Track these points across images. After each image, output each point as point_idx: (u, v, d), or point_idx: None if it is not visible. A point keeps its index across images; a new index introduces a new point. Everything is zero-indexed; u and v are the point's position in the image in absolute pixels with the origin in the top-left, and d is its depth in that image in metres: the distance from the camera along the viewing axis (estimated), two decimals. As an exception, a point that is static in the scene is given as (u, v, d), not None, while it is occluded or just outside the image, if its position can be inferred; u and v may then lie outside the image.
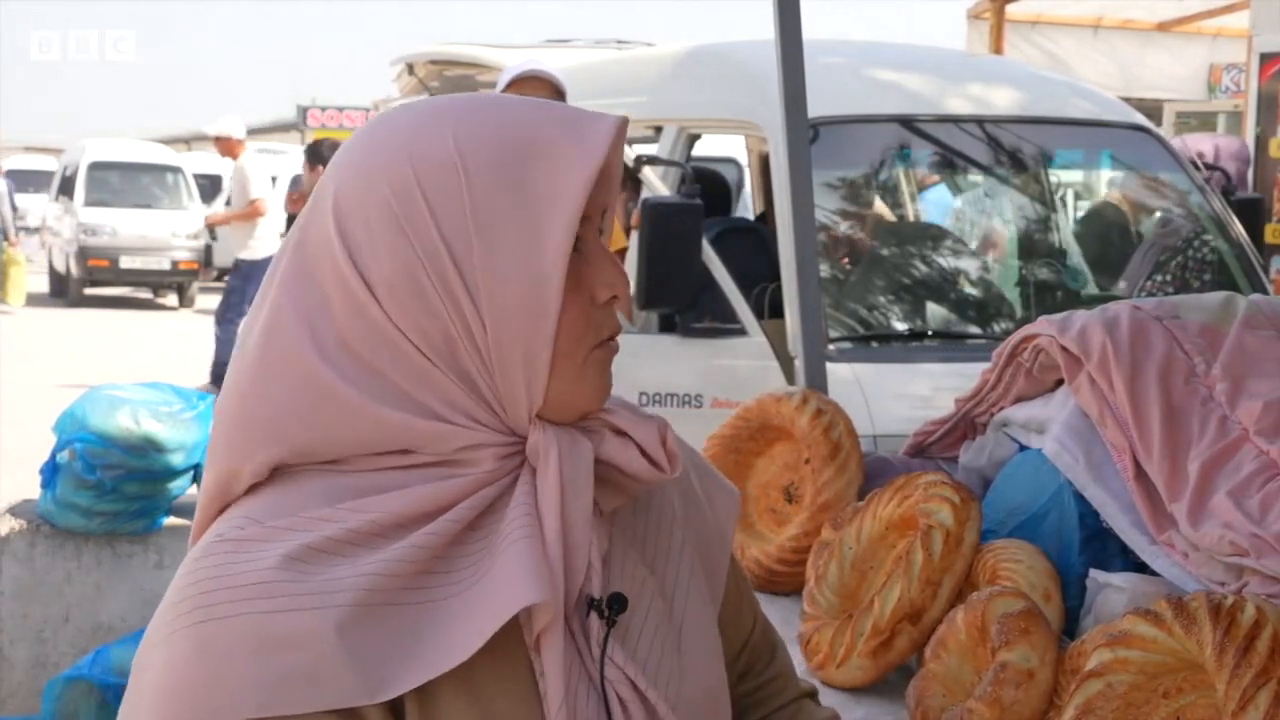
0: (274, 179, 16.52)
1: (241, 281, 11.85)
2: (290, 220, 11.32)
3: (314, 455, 1.19)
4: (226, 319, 11.60)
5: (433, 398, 1.18)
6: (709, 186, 5.80)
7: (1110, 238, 5.61)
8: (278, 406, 1.19)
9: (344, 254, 1.18)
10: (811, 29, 3.23)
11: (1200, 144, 8.11)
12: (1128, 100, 6.31)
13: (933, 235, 5.39)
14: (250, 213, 12.07)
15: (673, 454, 1.25)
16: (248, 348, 1.22)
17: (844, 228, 5.13)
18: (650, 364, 4.74)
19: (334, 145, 8.41)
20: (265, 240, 11.93)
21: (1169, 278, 5.16)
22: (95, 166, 21.65)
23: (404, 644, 1.12)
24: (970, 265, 5.29)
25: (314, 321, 1.19)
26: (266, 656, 1.09)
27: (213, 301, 22.02)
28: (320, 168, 8.27)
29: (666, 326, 5.02)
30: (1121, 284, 5.30)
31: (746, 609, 1.48)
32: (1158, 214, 5.53)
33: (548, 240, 1.17)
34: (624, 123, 1.22)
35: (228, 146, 12.01)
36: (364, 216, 1.18)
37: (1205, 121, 12.46)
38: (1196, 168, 5.46)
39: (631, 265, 4.60)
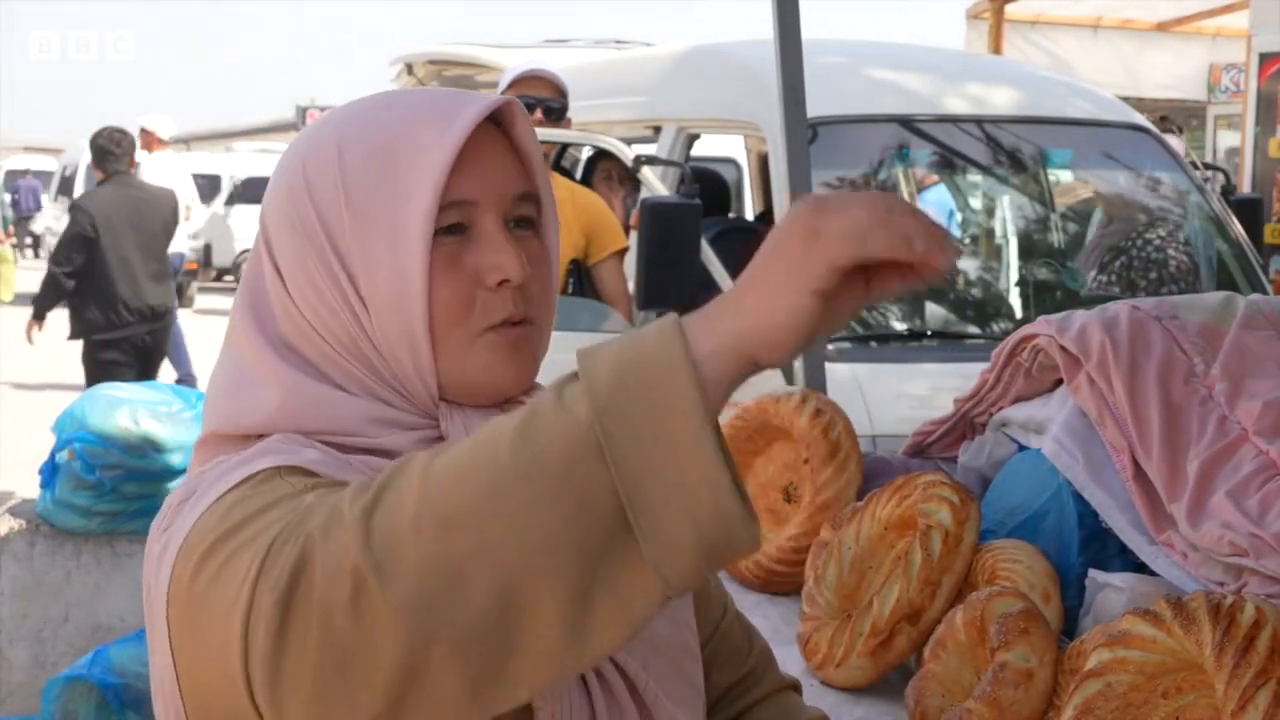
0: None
1: None
2: None
3: (257, 426, 1.25)
4: None
5: (339, 375, 1.25)
6: (708, 186, 5.80)
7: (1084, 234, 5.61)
8: (230, 378, 1.28)
9: (264, 247, 1.28)
10: (811, 29, 3.23)
11: None
12: (1128, 100, 6.31)
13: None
14: None
15: None
16: (229, 323, 1.33)
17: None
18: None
19: (110, 134, 8.33)
20: None
21: (1113, 278, 5.16)
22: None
23: None
24: (969, 265, 5.29)
25: (258, 305, 1.28)
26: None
27: (212, 301, 22.09)
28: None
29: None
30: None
31: (715, 594, 1.51)
32: (1098, 213, 5.53)
33: (409, 226, 1.21)
34: (513, 104, 1.27)
35: (147, 140, 12.20)
36: (274, 209, 1.28)
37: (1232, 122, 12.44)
38: (1196, 167, 5.46)
39: (630, 265, 4.60)
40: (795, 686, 1.56)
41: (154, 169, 11.99)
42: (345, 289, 1.23)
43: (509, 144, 1.28)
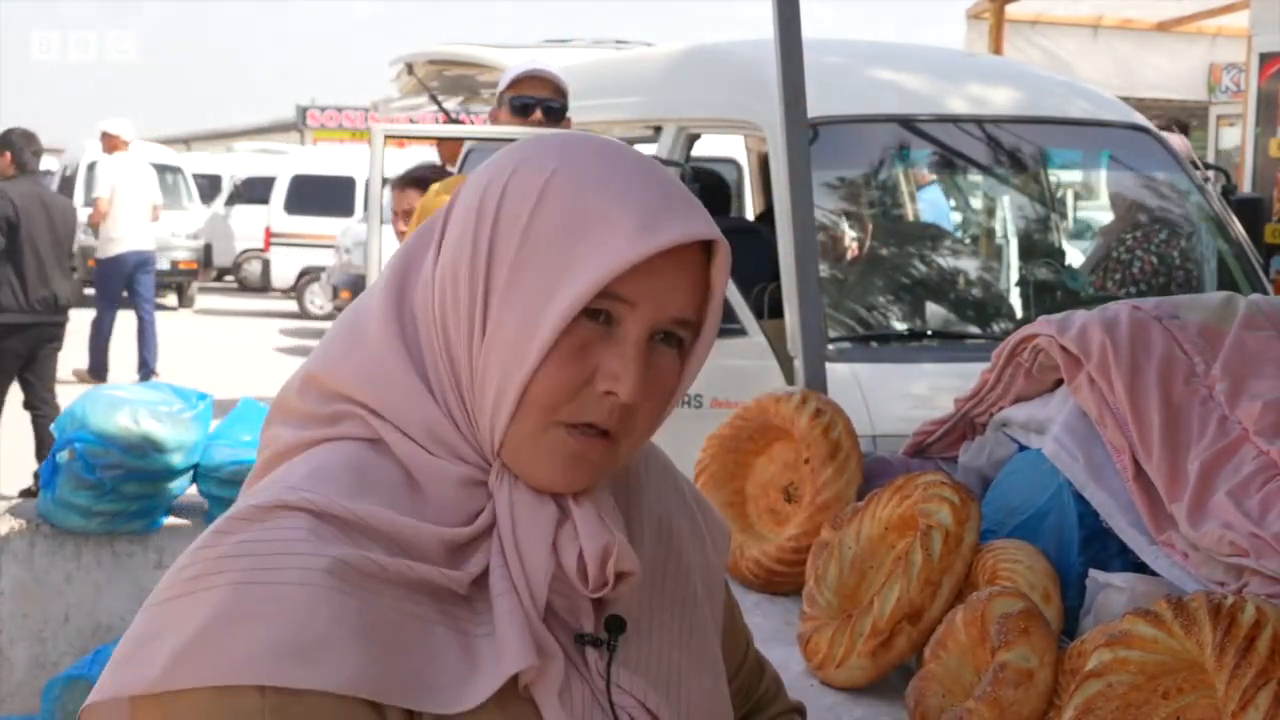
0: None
1: (100, 278, 12.50)
2: None
3: (344, 387, 1.25)
4: (97, 315, 12.33)
5: (433, 370, 1.24)
6: (708, 186, 5.80)
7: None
8: (348, 329, 1.29)
9: (440, 226, 1.28)
10: (811, 29, 3.23)
11: None
12: (1128, 100, 6.31)
13: (932, 235, 5.39)
14: (94, 214, 12.50)
15: (605, 577, 1.23)
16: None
17: (844, 228, 5.13)
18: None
19: (24, 134, 8.60)
20: (115, 240, 12.35)
21: (1114, 278, 5.17)
22: (95, 166, 21.63)
23: (420, 667, 1.16)
24: (969, 265, 5.29)
25: (409, 268, 1.28)
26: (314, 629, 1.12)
27: (213, 301, 22.08)
28: (7, 154, 8.52)
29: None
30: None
31: (740, 635, 1.53)
32: (1098, 213, 5.54)
33: (559, 298, 1.19)
34: (724, 249, 1.24)
35: (110, 144, 12.45)
36: (464, 203, 1.26)
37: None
38: (1196, 167, 5.46)
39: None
40: (800, 710, 1.58)
41: (115, 169, 12.18)
42: (477, 308, 1.22)
43: (699, 273, 1.24)
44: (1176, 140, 7.11)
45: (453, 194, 1.30)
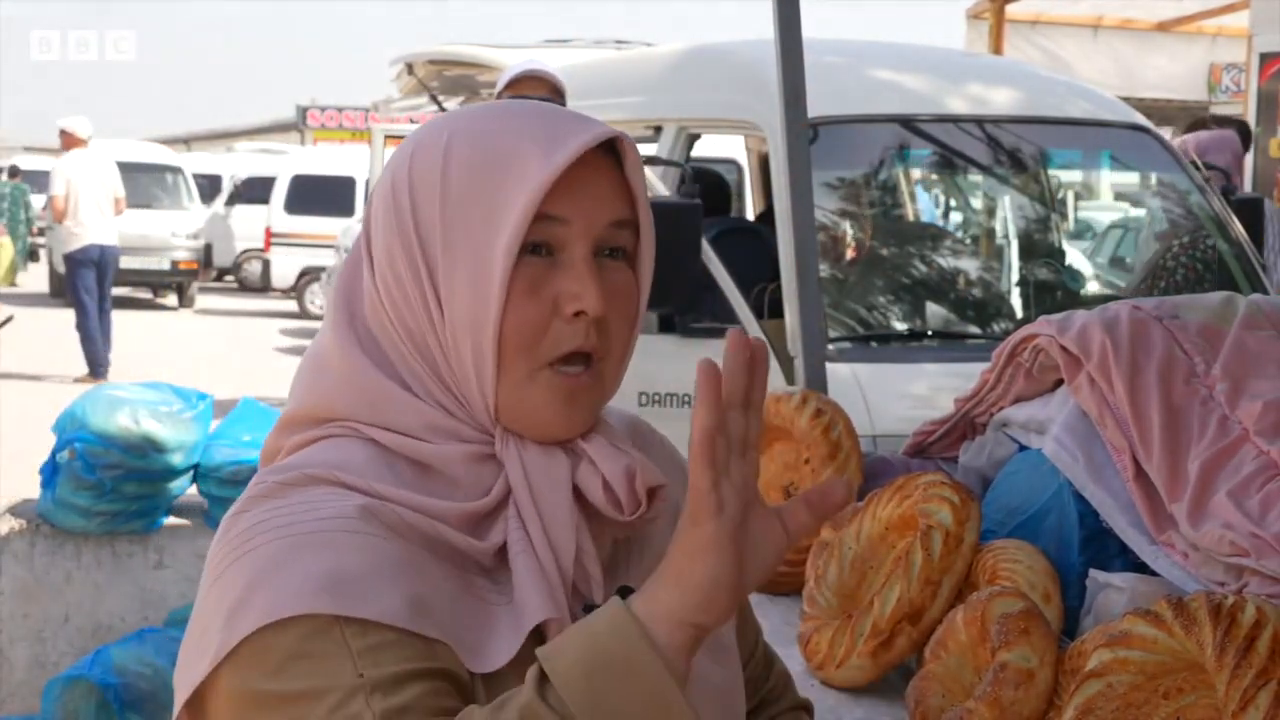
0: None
1: (68, 274, 12.63)
2: None
3: (332, 412, 1.26)
4: (77, 314, 12.47)
5: (409, 376, 1.26)
6: (709, 186, 5.80)
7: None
8: (312, 365, 1.30)
9: (364, 237, 1.30)
10: (811, 29, 3.23)
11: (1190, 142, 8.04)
12: (1128, 100, 6.31)
13: (932, 235, 5.39)
14: (53, 213, 12.71)
15: (637, 497, 1.25)
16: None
17: (844, 228, 5.13)
18: (650, 364, 4.73)
19: None
20: (77, 234, 12.47)
21: (1115, 277, 5.17)
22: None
23: (453, 620, 1.18)
24: (970, 265, 5.29)
25: (351, 295, 1.30)
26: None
27: (213, 301, 22.09)
28: None
29: (666, 326, 5.02)
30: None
31: (751, 625, 1.53)
32: (1098, 213, 5.54)
33: (496, 240, 1.21)
34: (622, 136, 1.26)
35: (67, 141, 12.52)
36: (377, 203, 1.29)
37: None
38: (1196, 167, 5.45)
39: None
40: (808, 708, 1.58)
41: (71, 167, 12.29)
42: (426, 289, 1.24)
43: (616, 175, 1.27)
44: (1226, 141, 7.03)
45: (364, 211, 1.33)
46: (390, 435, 1.24)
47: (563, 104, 4.92)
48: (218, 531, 1.22)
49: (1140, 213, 5.46)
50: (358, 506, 1.18)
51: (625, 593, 1.23)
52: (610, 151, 1.26)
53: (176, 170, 22.27)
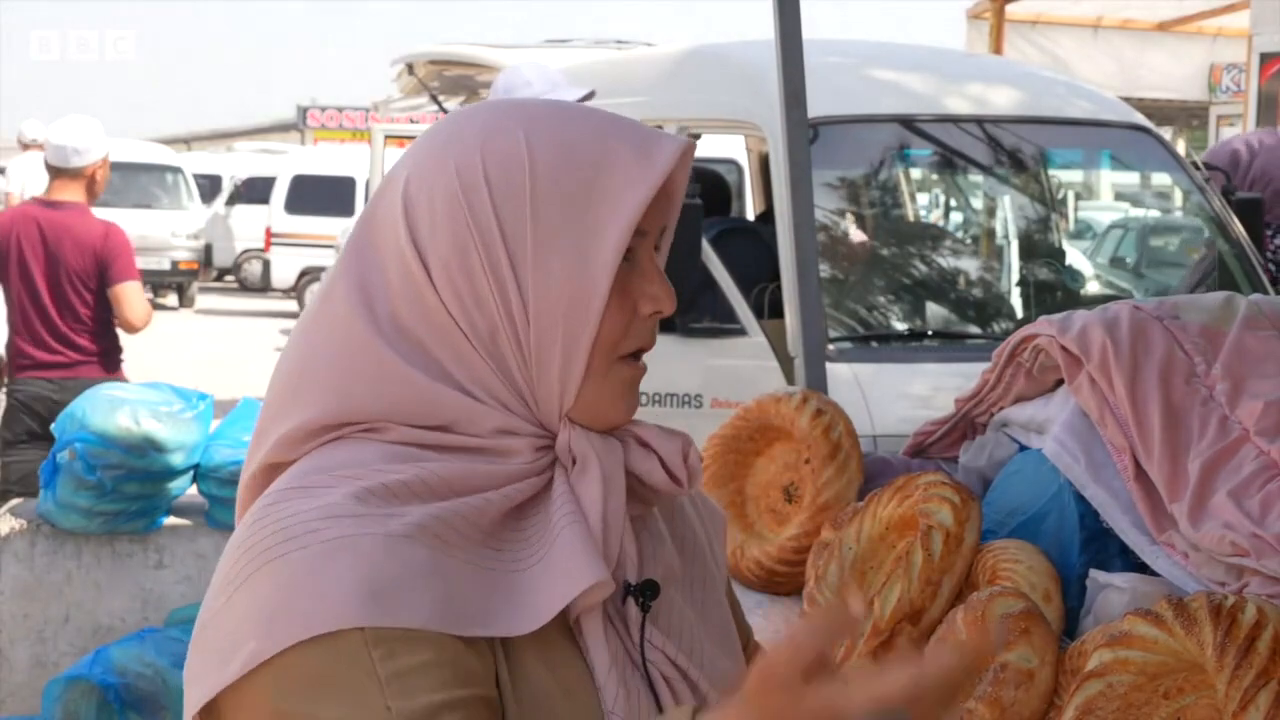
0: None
1: None
2: None
3: (359, 415, 1.24)
4: None
5: (468, 378, 1.24)
6: (708, 186, 5.80)
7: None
8: (331, 368, 1.25)
9: (406, 232, 1.25)
10: (811, 29, 3.23)
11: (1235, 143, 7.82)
12: (1128, 100, 6.31)
13: (932, 235, 5.40)
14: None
15: (693, 470, 1.30)
16: (311, 311, 1.29)
17: (844, 228, 5.13)
18: (650, 364, 4.73)
19: None
20: None
21: (1115, 277, 5.16)
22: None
23: (480, 601, 1.18)
24: (970, 265, 5.29)
25: (370, 292, 1.25)
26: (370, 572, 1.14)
27: (213, 301, 22.10)
28: None
29: (666, 326, 5.00)
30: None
31: (742, 621, 1.54)
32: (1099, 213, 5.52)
33: (600, 248, 1.23)
34: (691, 146, 1.28)
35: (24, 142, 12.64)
36: (429, 198, 1.24)
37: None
38: (1196, 167, 5.45)
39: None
40: None
41: (27, 167, 12.35)
42: (510, 293, 1.23)
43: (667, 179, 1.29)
44: None
45: (377, 196, 1.28)
46: (423, 433, 1.23)
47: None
48: (240, 531, 1.21)
49: (1140, 213, 5.45)
50: (362, 489, 1.17)
51: (648, 586, 1.27)
52: None
53: (177, 170, 22.27)
